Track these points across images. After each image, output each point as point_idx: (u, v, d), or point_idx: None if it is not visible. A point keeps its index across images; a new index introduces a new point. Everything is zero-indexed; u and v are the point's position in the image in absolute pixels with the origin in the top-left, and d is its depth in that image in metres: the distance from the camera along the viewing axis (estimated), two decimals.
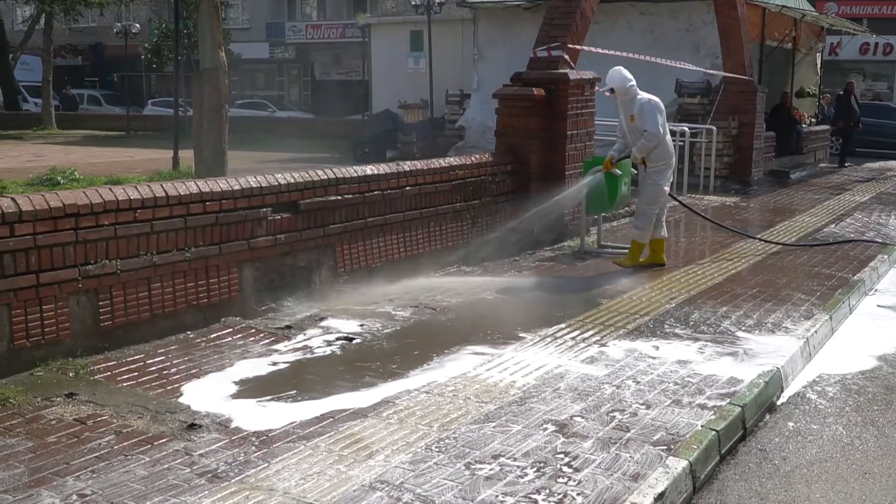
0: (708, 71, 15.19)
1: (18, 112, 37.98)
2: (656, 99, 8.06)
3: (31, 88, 41.22)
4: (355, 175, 7.00)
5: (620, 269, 8.02)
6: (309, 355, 5.39)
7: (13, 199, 4.82)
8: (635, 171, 9.58)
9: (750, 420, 4.66)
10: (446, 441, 4.06)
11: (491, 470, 3.76)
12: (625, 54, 12.09)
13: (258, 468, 3.76)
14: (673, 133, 13.72)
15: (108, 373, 4.94)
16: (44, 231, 4.87)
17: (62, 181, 14.16)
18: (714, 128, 14.19)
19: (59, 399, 4.52)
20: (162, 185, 5.62)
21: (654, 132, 7.90)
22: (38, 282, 4.87)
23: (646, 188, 8.15)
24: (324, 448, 3.97)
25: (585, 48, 10.10)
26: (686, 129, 13.49)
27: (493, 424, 4.27)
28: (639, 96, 7.94)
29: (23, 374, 4.80)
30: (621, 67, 8.01)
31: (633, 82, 7.93)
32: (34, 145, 27.28)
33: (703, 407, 4.56)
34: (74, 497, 3.46)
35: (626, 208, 10.81)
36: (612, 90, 7.90)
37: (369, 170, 7.21)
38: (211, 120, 10.08)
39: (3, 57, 37.45)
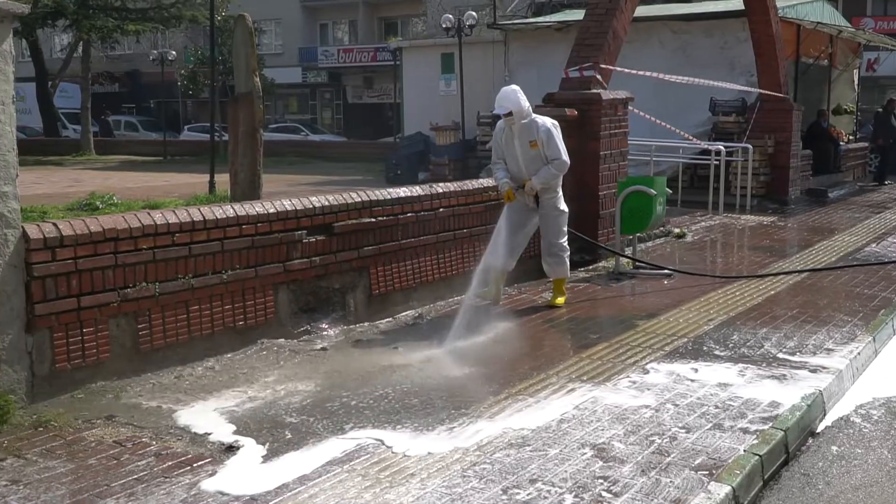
0: (743, 89, 15.10)
1: (58, 138, 38.69)
2: (556, 122, 7.29)
3: (70, 115, 41.98)
4: (389, 197, 7.02)
5: (656, 290, 7.96)
6: (343, 377, 5.39)
7: (54, 224, 4.89)
8: (670, 192, 9.56)
9: (793, 444, 4.58)
10: (483, 465, 4.02)
11: (528, 495, 3.72)
12: (657, 75, 12.08)
13: (294, 491, 3.75)
14: (708, 152, 13.77)
15: (148, 395, 4.98)
16: (84, 255, 4.93)
17: (101, 206, 14.35)
18: (750, 146, 14.08)
19: (99, 421, 4.56)
20: (199, 209, 5.67)
21: (565, 160, 7.15)
22: (79, 305, 4.92)
23: (550, 220, 7.33)
24: (360, 471, 3.96)
25: (618, 68, 10.08)
26: (721, 147, 13.40)
27: (530, 448, 4.23)
28: (538, 119, 7.14)
29: (64, 397, 4.85)
30: (516, 87, 7.13)
31: (529, 104, 7.15)
32: (73, 171, 27.71)
33: (745, 431, 4.48)
34: None
35: (661, 228, 10.76)
36: (510, 113, 6.99)
37: (402, 192, 7.23)
38: (246, 144, 10.15)
39: (42, 84, 38.20)
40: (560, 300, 7.40)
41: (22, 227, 4.69)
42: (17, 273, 4.65)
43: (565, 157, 7.16)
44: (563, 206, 7.41)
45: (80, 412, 4.67)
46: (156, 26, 36.79)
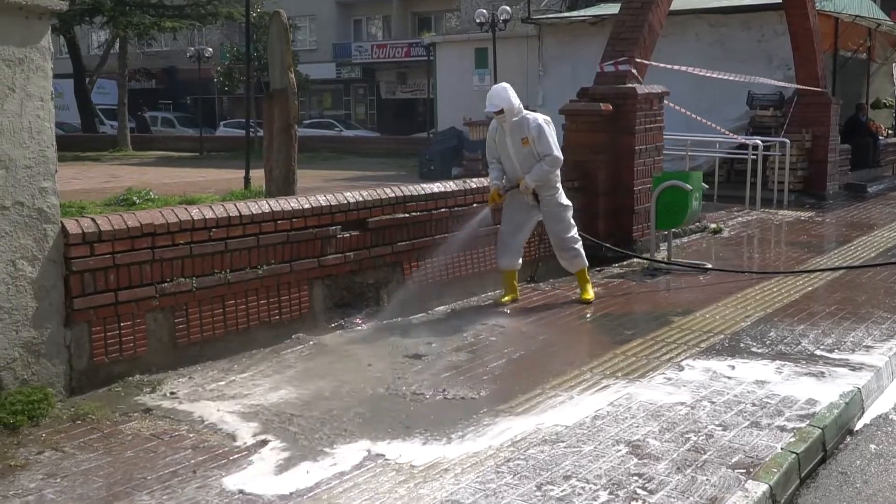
0: (780, 84, 14.92)
1: (95, 134, 39.21)
2: (549, 118, 7.18)
3: (107, 111, 42.52)
4: (422, 193, 7.03)
5: (692, 286, 7.90)
6: (377, 374, 5.40)
7: (93, 220, 4.95)
8: (706, 187, 9.46)
9: (830, 442, 4.52)
10: (516, 461, 4.02)
11: (562, 491, 3.71)
12: (693, 70, 11.95)
13: (329, 486, 3.77)
14: (745, 146, 13.62)
15: (185, 389, 5.03)
16: (122, 250, 4.99)
17: (138, 201, 14.54)
18: (787, 140, 13.92)
19: (136, 414, 4.61)
20: (235, 205, 5.72)
21: (558, 156, 7.02)
22: (117, 299, 4.98)
23: (554, 216, 7.23)
24: (393, 466, 3.97)
25: (653, 63, 10.00)
26: (759, 141, 13.24)
27: (564, 444, 4.22)
28: (529, 116, 7.02)
29: (101, 390, 4.91)
30: (506, 84, 7.09)
31: (520, 102, 7.03)
32: (111, 166, 28.07)
33: (782, 429, 4.43)
34: None
35: (697, 223, 10.66)
36: (501, 110, 6.89)
37: (436, 187, 7.23)
38: (281, 140, 10.20)
39: (80, 81, 38.70)
40: (589, 293, 7.36)
41: (61, 222, 4.76)
42: (56, 268, 4.72)
43: (557, 152, 7.06)
44: (566, 201, 7.31)
45: (118, 405, 4.73)
46: (192, 23, 37.15)
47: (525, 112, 7.05)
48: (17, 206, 4.53)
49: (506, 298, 7.28)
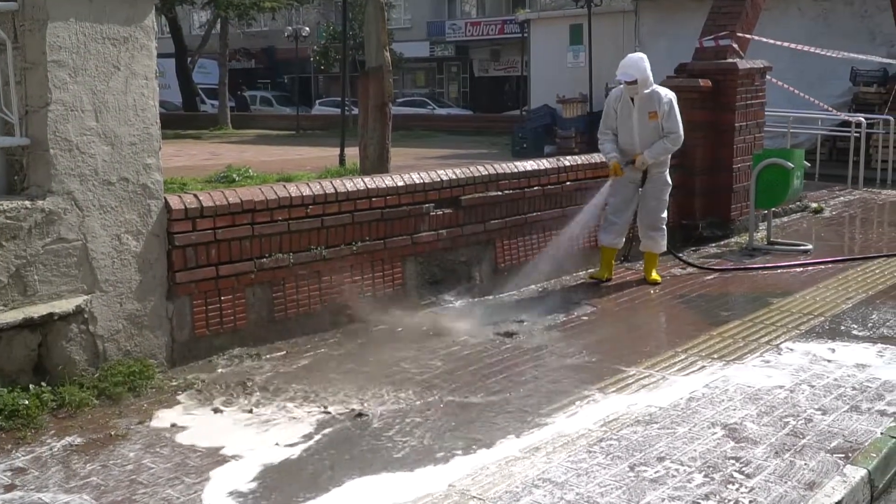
0: (884, 60, 14.33)
1: (196, 113, 40.20)
2: (674, 94, 7.04)
3: (208, 90, 43.53)
4: (515, 171, 7.01)
5: (790, 267, 7.68)
6: (468, 350, 5.43)
7: (195, 196, 5.10)
8: (808, 165, 9.17)
9: None
10: (609, 441, 4.00)
11: (656, 473, 3.67)
12: (796, 46, 11.57)
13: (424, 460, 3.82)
14: (847, 124, 13.13)
15: (283, 362, 5.15)
16: (223, 226, 5.12)
17: (237, 178, 14.90)
18: (892, 118, 13.36)
19: (236, 386, 4.73)
20: (331, 182, 5.81)
21: (681, 135, 6.94)
22: (218, 274, 5.12)
23: (658, 194, 7.10)
24: (483, 443, 3.99)
25: (755, 37, 9.71)
26: (862, 119, 12.77)
27: (658, 426, 4.17)
28: (660, 90, 6.91)
29: (201, 362, 5.06)
30: (643, 55, 6.93)
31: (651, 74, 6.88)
32: (211, 144, 28.77)
33: (882, 413, 4.29)
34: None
35: (798, 203, 10.35)
36: (634, 80, 6.74)
37: (529, 165, 7.20)
38: (376, 118, 10.33)
39: (181, 60, 39.73)
40: (656, 275, 7.24)
41: (164, 197, 4.91)
42: (159, 242, 4.88)
43: (682, 131, 6.97)
44: (670, 180, 7.23)
45: (218, 377, 4.87)
46: (290, 3, 37.69)
47: (656, 86, 6.95)
48: (123, 182, 4.69)
49: (601, 276, 7.22)
